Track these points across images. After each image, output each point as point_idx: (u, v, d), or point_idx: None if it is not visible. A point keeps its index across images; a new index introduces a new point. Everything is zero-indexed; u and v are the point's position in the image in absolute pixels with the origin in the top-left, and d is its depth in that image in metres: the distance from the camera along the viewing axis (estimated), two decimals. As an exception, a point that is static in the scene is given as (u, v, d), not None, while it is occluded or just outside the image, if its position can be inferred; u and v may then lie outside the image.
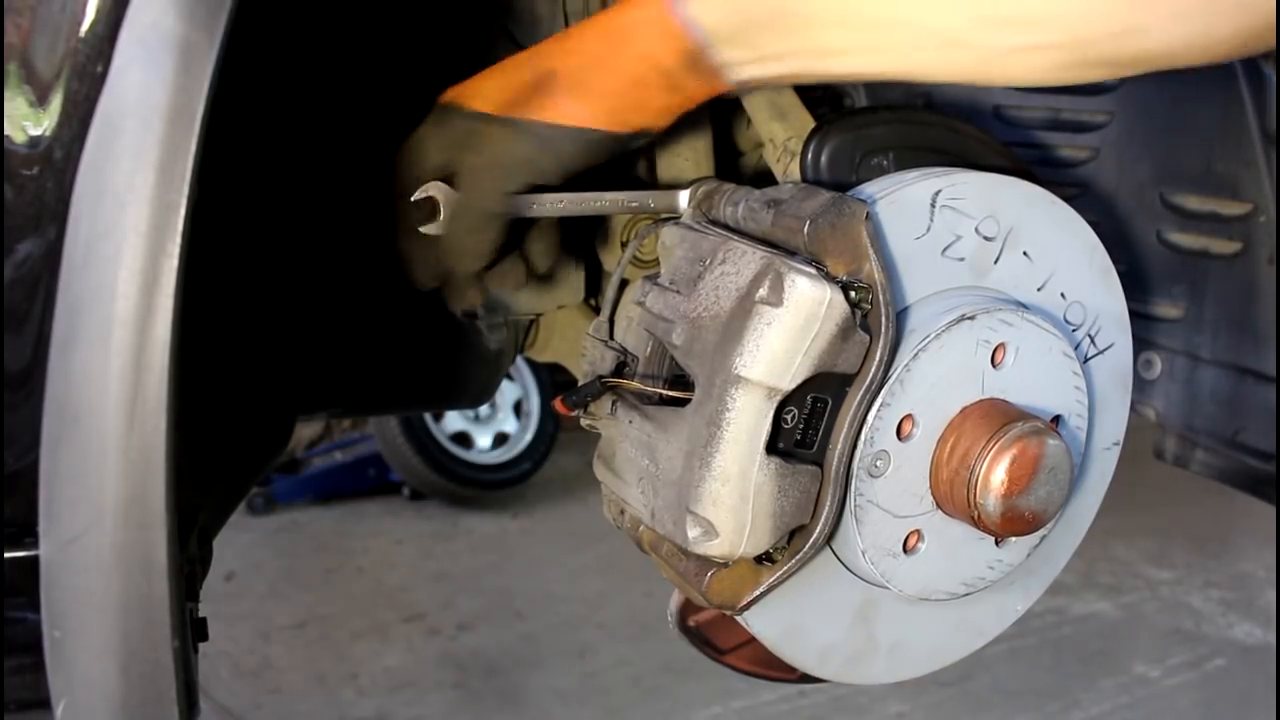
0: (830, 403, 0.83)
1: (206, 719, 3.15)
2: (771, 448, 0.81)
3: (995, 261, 0.90)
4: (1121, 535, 4.38)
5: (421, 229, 0.94)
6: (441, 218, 0.93)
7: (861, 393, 0.82)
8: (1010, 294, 0.91)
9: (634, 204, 1.01)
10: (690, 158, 1.17)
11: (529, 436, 4.96)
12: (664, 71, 0.86)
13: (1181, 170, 1.28)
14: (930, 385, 0.85)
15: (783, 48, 0.83)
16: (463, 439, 4.88)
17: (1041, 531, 0.91)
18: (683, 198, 1.01)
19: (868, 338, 0.81)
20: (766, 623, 0.90)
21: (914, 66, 0.81)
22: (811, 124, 0.98)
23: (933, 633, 0.99)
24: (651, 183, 1.15)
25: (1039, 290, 0.93)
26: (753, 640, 0.92)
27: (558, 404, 0.96)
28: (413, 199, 0.93)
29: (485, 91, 0.92)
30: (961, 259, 0.88)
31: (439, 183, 0.93)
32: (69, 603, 0.72)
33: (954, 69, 0.81)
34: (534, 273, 1.03)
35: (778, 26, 0.81)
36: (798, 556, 0.85)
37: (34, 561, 0.72)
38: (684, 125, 1.18)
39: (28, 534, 0.72)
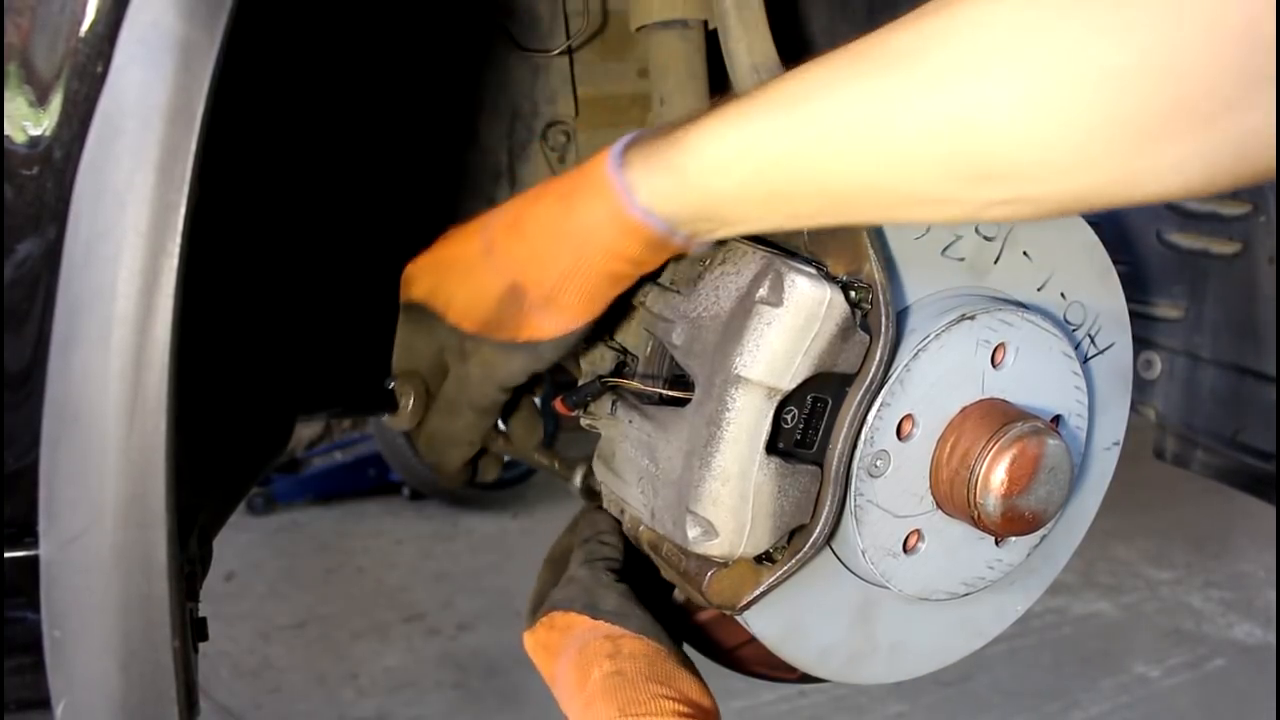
0: (830, 402, 0.83)
1: (206, 719, 3.15)
2: (771, 448, 0.81)
3: (995, 261, 0.90)
4: (1121, 535, 4.38)
5: (387, 419, 0.98)
6: (409, 411, 0.97)
7: (861, 392, 0.82)
8: (1010, 294, 0.91)
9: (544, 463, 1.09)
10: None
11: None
12: (635, 258, 0.82)
13: (1181, 170, 1.28)
14: (930, 385, 0.85)
15: (752, 217, 0.77)
16: (463, 439, 4.87)
17: (1041, 531, 0.91)
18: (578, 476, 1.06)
19: (868, 337, 0.81)
20: (766, 622, 0.90)
21: (900, 217, 0.75)
22: (811, 124, 0.98)
23: (933, 633, 0.99)
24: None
25: (1039, 290, 0.92)
26: (753, 640, 0.92)
27: (558, 404, 0.96)
28: (388, 387, 0.97)
29: (457, 304, 0.91)
30: (961, 259, 0.88)
31: (410, 379, 0.97)
32: (69, 603, 0.72)
33: (942, 218, 0.75)
34: (517, 452, 1.07)
35: (743, 202, 0.75)
36: (798, 556, 0.85)
37: (34, 561, 0.71)
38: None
39: (28, 534, 0.72)
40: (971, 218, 0.69)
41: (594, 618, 0.90)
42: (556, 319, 0.86)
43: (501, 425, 1.07)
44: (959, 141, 0.62)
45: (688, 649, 1.02)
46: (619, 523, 1.00)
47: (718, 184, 0.74)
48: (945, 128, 0.62)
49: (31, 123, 0.68)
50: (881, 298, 0.80)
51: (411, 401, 0.97)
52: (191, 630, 0.82)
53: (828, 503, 0.83)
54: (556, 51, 1.28)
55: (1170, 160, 0.57)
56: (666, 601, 1.02)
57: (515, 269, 0.86)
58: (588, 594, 0.93)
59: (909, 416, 0.85)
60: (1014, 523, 0.85)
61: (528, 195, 0.88)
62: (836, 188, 0.70)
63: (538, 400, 1.08)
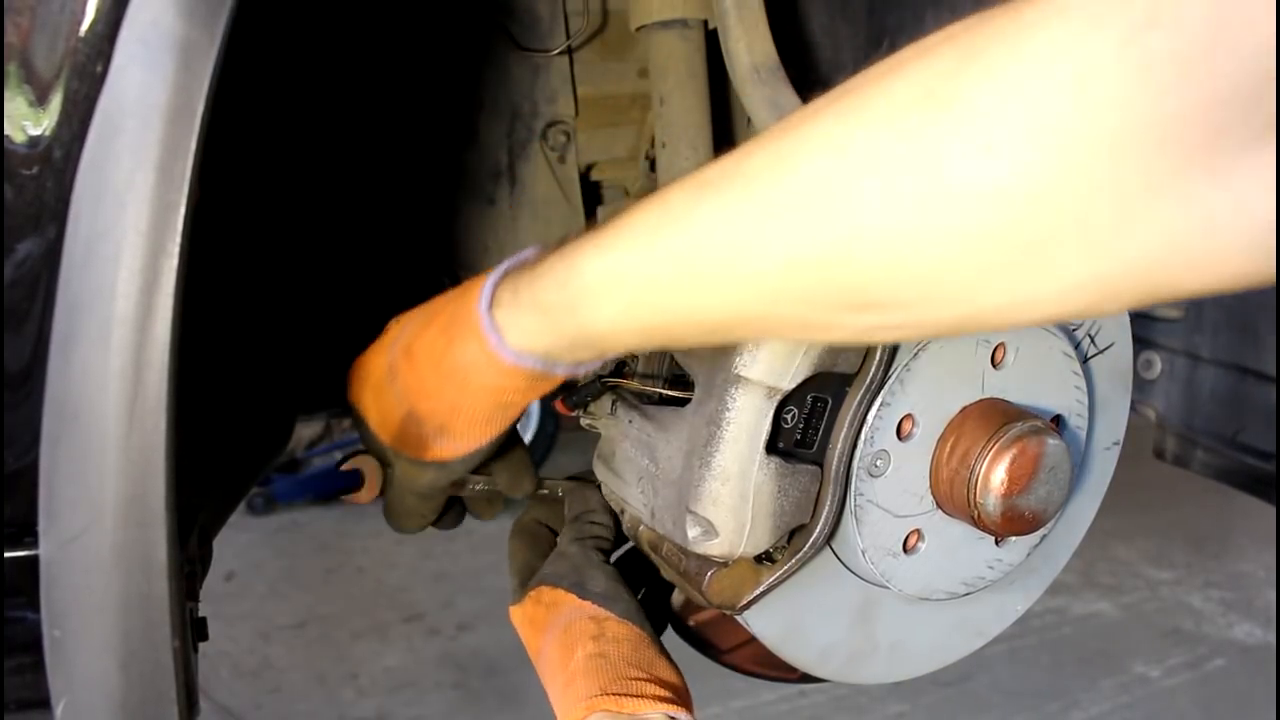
0: (830, 402, 0.83)
1: (206, 719, 3.15)
2: (771, 447, 0.81)
3: (995, 261, 0.90)
4: (1121, 535, 4.38)
5: (346, 497, 1.00)
6: (365, 488, 0.99)
7: (862, 392, 0.82)
8: (1010, 294, 0.91)
9: (543, 492, 1.07)
10: (691, 158, 1.17)
11: (529, 436, 4.96)
12: (520, 389, 0.81)
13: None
14: (930, 385, 0.85)
15: (631, 345, 0.75)
16: (463, 439, 4.87)
17: (1041, 531, 0.91)
18: None
19: (868, 337, 0.81)
20: (766, 622, 0.90)
21: (786, 337, 0.73)
22: (811, 124, 0.98)
23: (933, 632, 0.99)
24: (651, 184, 1.15)
25: (1039, 290, 0.92)
26: (753, 640, 0.92)
27: (558, 404, 0.96)
28: (340, 467, 0.99)
29: (372, 418, 0.93)
30: (961, 259, 0.88)
31: (367, 458, 0.98)
32: (69, 602, 0.72)
33: (828, 340, 0.74)
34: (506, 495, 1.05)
35: (618, 333, 0.72)
36: (798, 556, 0.85)
37: (34, 561, 0.71)
38: (685, 127, 1.18)
39: (28, 533, 0.72)
40: (857, 340, 0.66)
41: (581, 597, 0.90)
42: (454, 445, 0.88)
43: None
44: (827, 272, 0.57)
45: (683, 647, 1.02)
46: (601, 494, 1.00)
47: (587, 319, 0.72)
48: (810, 258, 0.57)
49: (31, 122, 0.68)
50: (881, 297, 0.80)
51: (366, 481, 1.00)
52: (191, 630, 0.82)
53: (828, 502, 0.83)
54: (556, 51, 1.28)
55: (1060, 285, 0.51)
56: (660, 595, 1.02)
57: (411, 398, 0.87)
58: (577, 572, 0.93)
59: (909, 416, 0.85)
60: (1014, 523, 0.85)
61: (425, 315, 0.87)
62: (708, 319, 0.65)
63: (534, 425, 1.08)
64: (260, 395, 1.27)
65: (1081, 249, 0.49)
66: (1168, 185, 0.46)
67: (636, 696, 0.80)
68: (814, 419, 0.83)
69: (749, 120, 1.08)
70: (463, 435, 0.87)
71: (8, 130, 0.68)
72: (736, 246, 0.60)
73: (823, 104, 0.57)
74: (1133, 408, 1.03)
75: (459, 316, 0.81)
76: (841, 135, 0.55)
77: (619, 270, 0.68)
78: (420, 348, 0.86)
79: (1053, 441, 0.85)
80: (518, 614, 0.97)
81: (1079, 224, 0.48)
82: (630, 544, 1.01)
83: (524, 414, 0.90)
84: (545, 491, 1.08)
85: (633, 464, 0.90)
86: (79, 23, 0.67)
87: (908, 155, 0.51)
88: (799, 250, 0.57)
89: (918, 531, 0.89)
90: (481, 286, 0.79)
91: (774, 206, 0.57)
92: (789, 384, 0.80)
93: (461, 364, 0.81)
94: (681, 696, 0.83)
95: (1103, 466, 1.02)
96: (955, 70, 0.50)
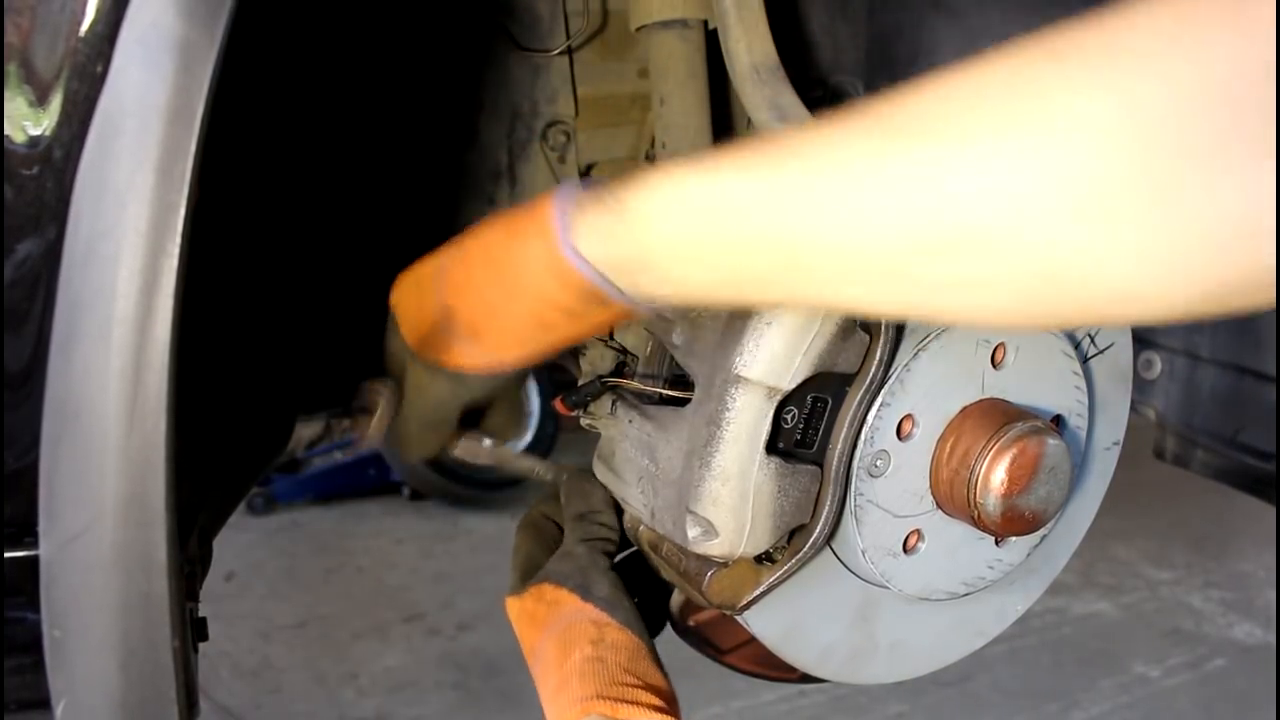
0: (830, 402, 0.83)
1: (206, 719, 3.15)
2: (771, 447, 0.81)
3: (995, 261, 0.89)
4: (1121, 535, 4.38)
5: (357, 424, 0.99)
6: (377, 415, 0.97)
7: (862, 392, 0.82)
8: (1010, 294, 0.91)
9: (549, 475, 1.06)
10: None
11: (529, 437, 4.96)
12: (565, 309, 0.78)
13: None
14: (930, 385, 0.85)
15: (688, 275, 0.71)
16: (463, 439, 4.87)
17: (1041, 531, 0.91)
18: None
19: (868, 337, 0.81)
20: (766, 622, 0.90)
21: (848, 298, 0.67)
22: (811, 124, 0.98)
23: (933, 633, 0.99)
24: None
25: (1039, 290, 0.92)
26: (753, 640, 0.92)
27: (558, 404, 0.96)
28: (359, 390, 0.98)
29: (406, 316, 0.91)
30: (961, 259, 0.88)
31: (383, 384, 0.96)
32: (69, 602, 0.72)
33: (893, 302, 0.66)
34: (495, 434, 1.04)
35: (688, 258, 0.69)
36: (798, 556, 0.85)
37: (34, 561, 0.72)
38: (685, 127, 1.18)
39: (28, 533, 0.72)
40: (917, 304, 0.64)
41: (584, 599, 0.90)
42: (480, 353, 0.85)
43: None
44: (927, 200, 0.56)
45: (683, 647, 1.02)
46: (606, 490, 1.00)
47: (660, 228, 0.70)
48: (900, 177, 0.57)
49: (31, 123, 0.68)
50: (881, 297, 0.80)
51: (381, 408, 0.97)
52: (191, 630, 0.83)
53: (828, 502, 0.83)
54: (556, 51, 1.28)
55: (1134, 239, 0.51)
56: (658, 599, 1.02)
57: (451, 292, 0.85)
58: (582, 574, 0.93)
59: (909, 416, 0.85)
60: (1014, 523, 0.85)
61: (486, 220, 0.85)
62: (772, 254, 0.64)
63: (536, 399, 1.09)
64: (260, 395, 1.27)
65: (1156, 206, 0.50)
66: (1245, 158, 0.47)
67: (631, 703, 0.80)
68: (814, 419, 0.83)
69: (749, 120, 1.08)
70: (492, 343, 0.84)
71: (8, 130, 0.68)
72: (822, 175, 0.60)
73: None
74: (1133, 408, 1.03)
75: (531, 214, 0.78)
76: (959, 78, 0.56)
77: (686, 191, 0.68)
78: (477, 242, 0.84)
79: (1053, 441, 0.85)
80: (515, 606, 0.96)
81: (1164, 172, 0.49)
82: (634, 548, 1.01)
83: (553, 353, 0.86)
84: (537, 468, 1.08)
85: (633, 464, 0.90)
86: (79, 23, 0.67)
87: (1028, 89, 0.53)
88: (890, 169, 0.57)
89: (918, 531, 0.89)
90: (565, 186, 0.77)
91: (893, 139, 0.58)
92: (789, 384, 0.80)
93: (517, 260, 0.78)
94: (673, 707, 0.83)
95: (1103, 466, 1.02)
96: (1079, 28, 0.52)
